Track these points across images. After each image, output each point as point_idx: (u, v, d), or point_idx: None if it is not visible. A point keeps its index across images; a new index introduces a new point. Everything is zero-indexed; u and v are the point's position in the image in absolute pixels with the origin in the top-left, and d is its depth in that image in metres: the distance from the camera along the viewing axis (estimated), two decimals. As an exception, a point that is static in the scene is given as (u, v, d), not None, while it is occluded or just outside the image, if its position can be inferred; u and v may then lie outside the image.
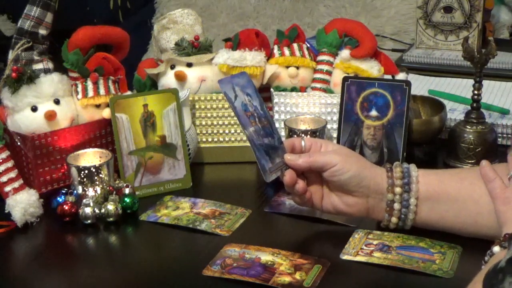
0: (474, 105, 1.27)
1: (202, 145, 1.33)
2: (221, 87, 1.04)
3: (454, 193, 1.00)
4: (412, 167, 1.03)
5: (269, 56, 1.36)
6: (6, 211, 1.11)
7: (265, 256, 1.00)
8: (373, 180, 1.01)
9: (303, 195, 1.03)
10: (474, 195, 0.99)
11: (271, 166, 1.02)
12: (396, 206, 1.01)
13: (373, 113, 1.23)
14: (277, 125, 1.34)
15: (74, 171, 1.13)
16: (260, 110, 1.06)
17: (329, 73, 1.34)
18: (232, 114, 1.32)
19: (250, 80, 1.08)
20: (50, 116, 1.16)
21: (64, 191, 1.14)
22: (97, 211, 1.11)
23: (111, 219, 1.11)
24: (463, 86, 1.59)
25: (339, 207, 1.03)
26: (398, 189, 1.00)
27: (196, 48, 1.32)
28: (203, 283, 0.95)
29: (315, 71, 1.35)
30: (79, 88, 1.22)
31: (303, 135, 1.20)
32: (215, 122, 1.32)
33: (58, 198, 1.14)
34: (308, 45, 1.38)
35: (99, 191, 1.13)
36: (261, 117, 1.05)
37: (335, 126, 1.29)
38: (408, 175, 1.01)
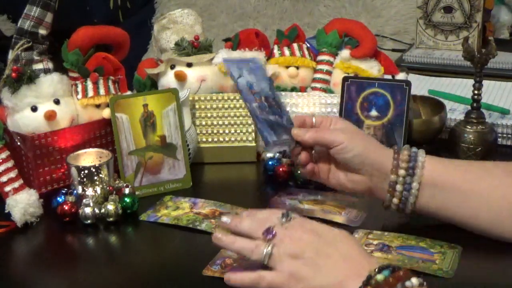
0: (474, 105, 1.27)
1: (202, 145, 1.33)
2: (226, 65, 1.04)
3: (458, 184, 1.00)
4: (420, 152, 1.02)
5: (269, 56, 1.36)
6: (6, 211, 1.11)
7: (265, 256, 1.00)
8: (378, 159, 1.02)
9: (305, 166, 1.06)
10: (478, 188, 0.99)
11: (275, 139, 1.03)
12: (398, 187, 1.01)
13: (373, 113, 1.23)
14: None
15: (74, 171, 1.13)
16: (269, 91, 1.06)
17: (329, 73, 1.34)
18: (232, 114, 1.32)
19: (261, 66, 1.08)
20: (50, 116, 1.16)
21: (64, 191, 1.14)
22: (97, 211, 1.11)
23: (111, 219, 1.11)
24: (463, 86, 1.59)
25: (344, 184, 1.06)
26: (402, 172, 1.00)
27: (196, 48, 1.32)
28: (203, 283, 0.95)
29: (315, 71, 1.35)
30: (79, 88, 1.22)
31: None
32: (215, 122, 1.32)
33: (58, 198, 1.14)
34: (308, 45, 1.38)
35: (99, 191, 1.13)
36: (268, 97, 1.06)
37: (335, 126, 1.29)
38: (414, 159, 1.01)
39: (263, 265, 0.88)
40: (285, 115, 1.07)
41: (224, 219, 0.94)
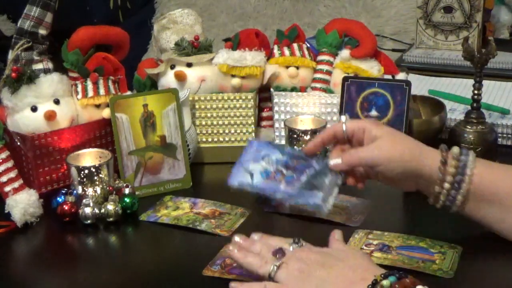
0: (474, 105, 1.27)
1: (202, 145, 1.33)
2: (232, 183, 1.02)
3: (503, 197, 0.97)
4: (470, 162, 0.98)
5: (269, 56, 1.36)
6: (6, 211, 1.11)
7: (265, 256, 1.00)
8: (422, 171, 0.98)
9: (357, 185, 1.05)
10: None
11: (322, 195, 0.99)
12: (442, 198, 0.99)
13: (373, 113, 1.23)
14: (277, 125, 1.34)
15: (74, 171, 1.12)
16: (282, 156, 1.03)
17: (329, 73, 1.34)
18: (232, 114, 1.32)
19: (259, 142, 1.06)
20: (50, 116, 1.16)
21: (64, 191, 1.14)
22: (97, 211, 1.11)
23: (111, 219, 1.11)
24: (463, 86, 1.59)
25: (394, 186, 1.03)
26: (447, 185, 0.97)
27: (196, 48, 1.32)
28: (203, 283, 0.95)
29: (315, 71, 1.35)
30: (79, 88, 1.22)
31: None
32: (215, 122, 1.32)
33: (58, 198, 1.14)
34: (308, 45, 1.38)
35: (99, 191, 1.13)
36: (287, 163, 1.02)
37: (335, 126, 1.29)
38: (462, 172, 0.97)
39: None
40: (312, 160, 1.02)
41: (237, 238, 0.96)
